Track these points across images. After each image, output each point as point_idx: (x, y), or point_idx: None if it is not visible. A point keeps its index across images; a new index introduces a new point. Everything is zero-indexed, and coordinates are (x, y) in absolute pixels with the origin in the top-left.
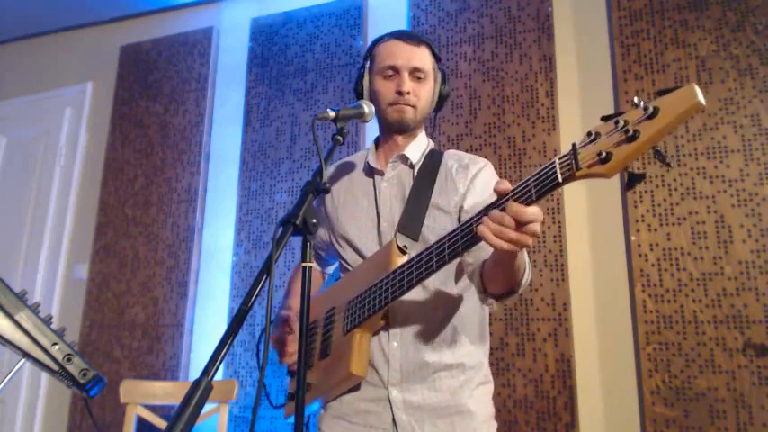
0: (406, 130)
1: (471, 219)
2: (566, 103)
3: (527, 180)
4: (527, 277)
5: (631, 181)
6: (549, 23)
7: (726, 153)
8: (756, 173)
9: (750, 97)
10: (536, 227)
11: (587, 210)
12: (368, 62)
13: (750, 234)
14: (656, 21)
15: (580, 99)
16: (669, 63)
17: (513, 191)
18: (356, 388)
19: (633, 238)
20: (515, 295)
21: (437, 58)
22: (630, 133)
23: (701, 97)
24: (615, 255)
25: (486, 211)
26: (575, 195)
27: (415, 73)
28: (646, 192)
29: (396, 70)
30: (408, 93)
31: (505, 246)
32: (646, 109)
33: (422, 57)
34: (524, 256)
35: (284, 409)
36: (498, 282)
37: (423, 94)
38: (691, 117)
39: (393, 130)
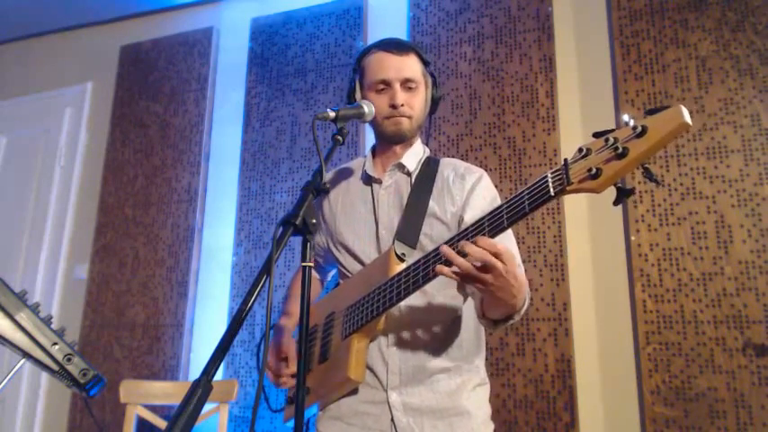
0: (403, 140)
1: (468, 228)
2: (566, 103)
3: (521, 192)
4: (526, 306)
5: (620, 196)
6: (549, 23)
7: (726, 153)
8: (756, 173)
9: (750, 97)
10: (498, 264)
11: (587, 210)
12: (357, 75)
13: (750, 234)
14: (656, 21)
15: (580, 99)
16: (669, 63)
17: (507, 202)
18: (355, 391)
19: (633, 238)
20: (513, 321)
21: (425, 63)
22: (620, 150)
23: (687, 118)
24: (615, 255)
25: (476, 224)
26: (575, 195)
27: (407, 83)
28: (646, 192)
29: (387, 84)
30: (402, 105)
31: (451, 275)
32: (635, 128)
33: (411, 66)
34: (525, 288)
35: (284, 412)
36: (495, 311)
37: (416, 104)
38: (679, 136)
39: (391, 141)
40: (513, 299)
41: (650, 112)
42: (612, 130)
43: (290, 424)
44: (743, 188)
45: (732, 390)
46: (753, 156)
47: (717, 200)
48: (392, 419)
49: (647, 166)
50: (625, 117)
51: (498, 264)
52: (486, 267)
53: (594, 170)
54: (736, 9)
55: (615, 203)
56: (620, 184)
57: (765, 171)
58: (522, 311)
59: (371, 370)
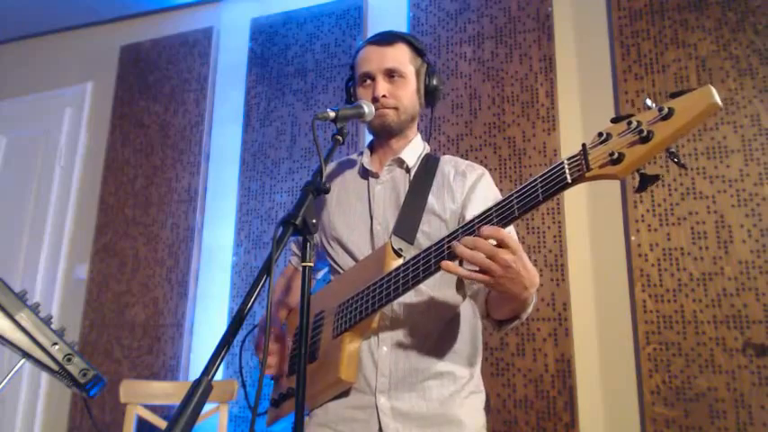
0: (392, 132)
1: (473, 221)
2: (566, 103)
3: (534, 180)
4: (533, 305)
5: (644, 182)
6: (549, 23)
7: (726, 153)
8: (756, 173)
9: (750, 97)
10: (506, 256)
11: (587, 210)
12: (353, 72)
13: (750, 234)
14: (656, 21)
15: (580, 99)
16: (669, 63)
17: (518, 191)
18: (342, 395)
19: (633, 238)
20: (518, 322)
21: (419, 52)
22: (644, 134)
23: (717, 98)
24: (615, 255)
25: (482, 215)
26: (575, 195)
27: (390, 74)
28: (646, 192)
29: (370, 76)
30: (384, 96)
31: (473, 275)
32: (660, 110)
33: (396, 56)
34: (536, 280)
35: (266, 416)
36: (504, 310)
37: (401, 94)
38: (707, 118)
39: (380, 134)
40: (525, 291)
41: (675, 95)
42: (632, 115)
43: (277, 427)
44: (743, 188)
45: (732, 390)
46: (753, 156)
47: (717, 200)
48: (380, 427)
49: (672, 150)
50: (648, 101)
51: (506, 254)
52: (493, 258)
53: (616, 155)
54: (736, 9)
55: (638, 191)
56: (643, 170)
57: (765, 171)
58: (530, 310)
59: (360, 372)
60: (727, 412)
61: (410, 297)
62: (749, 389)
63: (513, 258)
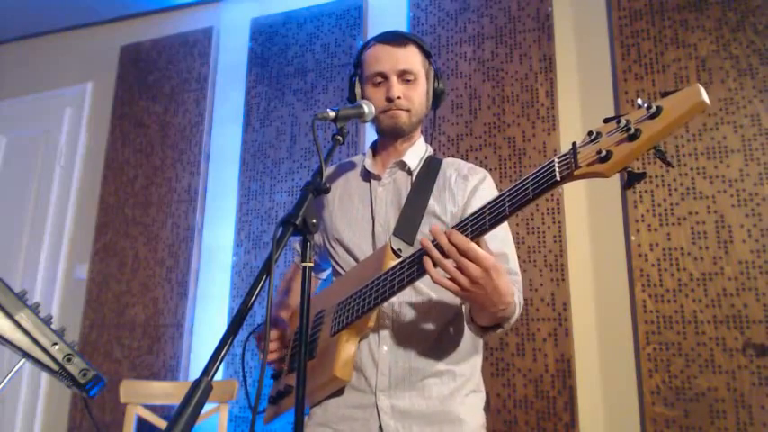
0: (401, 134)
1: (465, 220)
2: (566, 103)
3: (525, 178)
4: (515, 317)
5: (630, 180)
6: (549, 23)
7: (726, 153)
8: (756, 173)
9: (750, 97)
10: (473, 270)
11: (587, 210)
12: (358, 69)
13: (750, 234)
14: (656, 21)
15: (580, 99)
16: (669, 63)
17: (510, 189)
18: (342, 393)
19: (633, 238)
20: (501, 331)
21: (427, 55)
22: (632, 132)
23: (705, 97)
24: (615, 255)
25: (475, 213)
26: (575, 195)
27: (404, 76)
28: (646, 192)
29: (384, 76)
30: (399, 98)
31: (438, 276)
32: (649, 108)
33: (409, 58)
34: (515, 299)
35: (264, 413)
36: (483, 316)
37: (414, 97)
38: (694, 117)
39: (389, 135)
40: (494, 308)
41: (665, 94)
42: (624, 114)
43: (275, 425)
44: (743, 188)
45: (732, 390)
46: (753, 156)
47: (717, 200)
48: (380, 425)
49: (659, 148)
50: (638, 100)
51: (474, 268)
52: (461, 269)
53: (604, 153)
54: (736, 9)
55: (626, 188)
56: (630, 168)
57: (765, 171)
58: (512, 322)
59: (360, 371)
60: (727, 412)
61: (410, 297)
62: (749, 389)
63: (482, 275)
